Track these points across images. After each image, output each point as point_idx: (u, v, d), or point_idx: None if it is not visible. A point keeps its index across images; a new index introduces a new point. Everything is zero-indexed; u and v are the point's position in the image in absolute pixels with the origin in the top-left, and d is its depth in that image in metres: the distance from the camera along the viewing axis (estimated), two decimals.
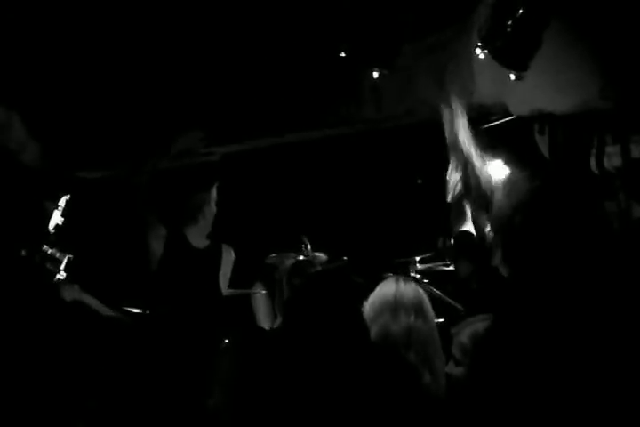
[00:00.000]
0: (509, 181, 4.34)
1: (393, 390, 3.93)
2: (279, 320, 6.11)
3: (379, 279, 4.84)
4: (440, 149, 6.20)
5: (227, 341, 5.47)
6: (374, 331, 4.45)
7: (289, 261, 6.50)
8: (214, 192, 6.05)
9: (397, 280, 4.68)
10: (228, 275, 6.03)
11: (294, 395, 3.73)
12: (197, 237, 5.94)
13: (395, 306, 4.50)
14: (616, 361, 3.54)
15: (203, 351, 5.46)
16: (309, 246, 6.47)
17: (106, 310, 5.52)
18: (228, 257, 6.02)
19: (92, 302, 5.48)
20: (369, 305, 4.57)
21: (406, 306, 4.50)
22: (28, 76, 6.19)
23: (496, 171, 6.70)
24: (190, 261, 5.83)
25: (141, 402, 5.10)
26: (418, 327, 4.46)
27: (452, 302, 6.25)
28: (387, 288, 4.62)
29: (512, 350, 3.75)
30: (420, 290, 4.67)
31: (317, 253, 6.49)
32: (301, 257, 6.32)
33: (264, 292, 6.68)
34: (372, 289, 4.72)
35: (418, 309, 4.52)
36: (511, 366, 3.73)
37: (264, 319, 6.59)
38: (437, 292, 6.23)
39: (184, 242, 5.87)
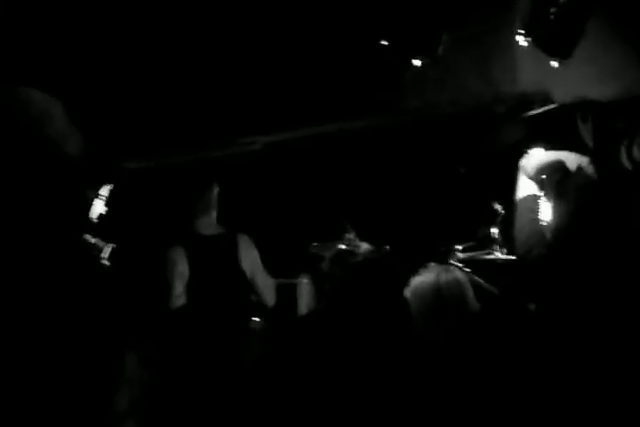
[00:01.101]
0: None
1: (431, 383, 3.91)
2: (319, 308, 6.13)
3: (421, 268, 4.74)
4: (482, 138, 6.18)
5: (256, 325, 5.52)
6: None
7: (332, 251, 6.50)
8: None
9: (438, 273, 4.46)
10: (257, 260, 6.00)
11: (326, 382, 3.74)
12: (208, 226, 5.95)
13: (438, 310, 4.34)
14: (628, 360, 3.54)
15: (231, 335, 5.50)
16: (353, 234, 6.46)
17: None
18: (245, 243, 5.99)
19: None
20: (409, 296, 4.43)
21: (449, 308, 4.35)
22: (72, 65, 6.25)
23: (539, 159, 6.68)
24: (204, 248, 5.84)
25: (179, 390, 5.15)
26: (458, 330, 4.33)
27: (494, 289, 6.21)
28: (427, 283, 4.40)
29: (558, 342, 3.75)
30: (463, 281, 4.49)
31: (360, 242, 6.49)
32: (343, 246, 6.31)
33: (308, 281, 6.68)
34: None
35: (459, 309, 4.37)
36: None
37: (304, 308, 6.61)
38: (479, 280, 6.18)
39: (195, 233, 5.90)
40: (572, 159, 4.12)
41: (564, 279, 3.82)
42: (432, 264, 4.75)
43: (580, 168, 4.07)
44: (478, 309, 4.46)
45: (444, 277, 4.43)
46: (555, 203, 4.06)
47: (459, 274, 4.55)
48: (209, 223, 5.87)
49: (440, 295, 4.36)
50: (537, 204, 4.02)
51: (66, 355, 4.34)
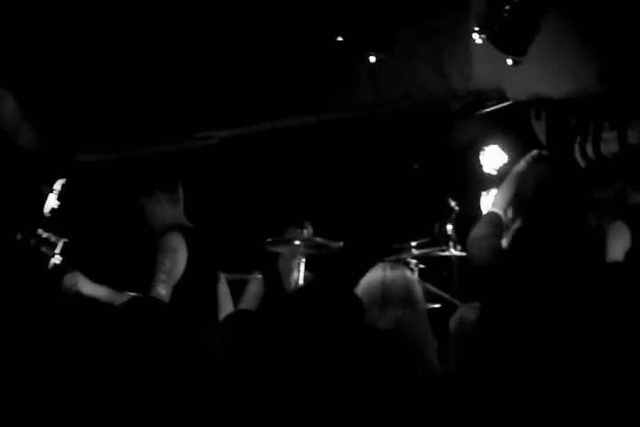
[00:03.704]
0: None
1: (383, 377, 3.92)
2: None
3: (374, 264, 4.80)
4: (436, 135, 6.20)
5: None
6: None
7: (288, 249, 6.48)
8: None
9: (385, 269, 4.61)
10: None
11: (286, 382, 3.73)
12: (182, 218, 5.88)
13: (382, 301, 4.45)
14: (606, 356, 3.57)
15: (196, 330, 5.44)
16: (309, 231, 6.45)
17: (110, 296, 5.46)
18: None
19: (95, 289, 5.43)
20: (359, 291, 4.52)
21: (393, 300, 4.45)
22: (27, 59, 6.19)
23: (493, 156, 6.73)
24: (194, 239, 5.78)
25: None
26: (407, 319, 4.42)
27: (447, 296, 6.26)
28: (374, 278, 4.56)
29: (500, 340, 3.78)
30: (409, 276, 4.62)
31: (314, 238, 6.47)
32: (297, 242, 6.29)
33: (259, 276, 6.66)
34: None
35: (405, 300, 4.46)
36: (499, 355, 3.77)
37: (250, 304, 6.55)
38: (432, 288, 6.24)
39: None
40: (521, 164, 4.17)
41: (515, 274, 3.86)
42: (381, 262, 4.86)
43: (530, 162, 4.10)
44: (424, 302, 4.58)
45: (390, 271, 4.56)
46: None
47: (405, 270, 4.70)
48: (182, 216, 5.78)
49: (385, 287, 4.47)
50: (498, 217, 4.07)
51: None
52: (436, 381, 4.33)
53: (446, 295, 6.11)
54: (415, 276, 4.68)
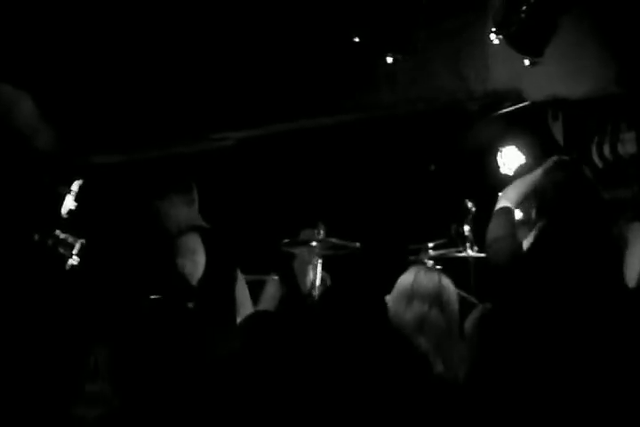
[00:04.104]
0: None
1: (400, 376, 3.93)
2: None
3: (392, 265, 4.82)
4: (453, 136, 6.18)
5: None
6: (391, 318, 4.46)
7: (304, 250, 6.48)
8: None
9: (418, 270, 4.65)
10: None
11: (301, 379, 3.74)
12: (197, 219, 5.87)
13: (410, 295, 4.49)
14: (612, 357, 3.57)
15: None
16: (322, 232, 6.45)
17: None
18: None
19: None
20: (390, 295, 4.57)
21: (422, 295, 4.47)
22: (44, 61, 6.21)
23: (510, 157, 6.71)
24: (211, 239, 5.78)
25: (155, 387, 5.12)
26: (432, 318, 4.43)
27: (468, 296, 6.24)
28: (406, 278, 4.60)
29: (513, 340, 3.79)
30: (444, 281, 4.61)
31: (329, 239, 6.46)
32: (314, 243, 6.30)
33: (277, 278, 6.66)
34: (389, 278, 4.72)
35: (434, 299, 4.48)
36: (513, 355, 3.77)
37: (269, 305, 6.56)
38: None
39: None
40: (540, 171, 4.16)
41: (535, 276, 3.86)
42: (413, 265, 4.88)
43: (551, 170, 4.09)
44: (455, 305, 4.55)
45: (423, 272, 4.60)
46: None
47: (439, 273, 4.70)
48: (197, 217, 5.76)
49: (415, 284, 4.52)
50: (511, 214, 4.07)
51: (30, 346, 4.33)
52: (456, 381, 4.32)
53: (467, 295, 6.07)
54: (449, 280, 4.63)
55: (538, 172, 4.21)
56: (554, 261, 3.82)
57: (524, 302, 3.79)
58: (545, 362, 3.67)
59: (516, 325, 3.80)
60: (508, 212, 4.06)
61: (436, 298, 4.48)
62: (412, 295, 4.47)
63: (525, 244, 3.98)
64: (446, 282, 4.58)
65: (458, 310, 4.55)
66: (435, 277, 4.57)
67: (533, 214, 4.08)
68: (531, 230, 4.02)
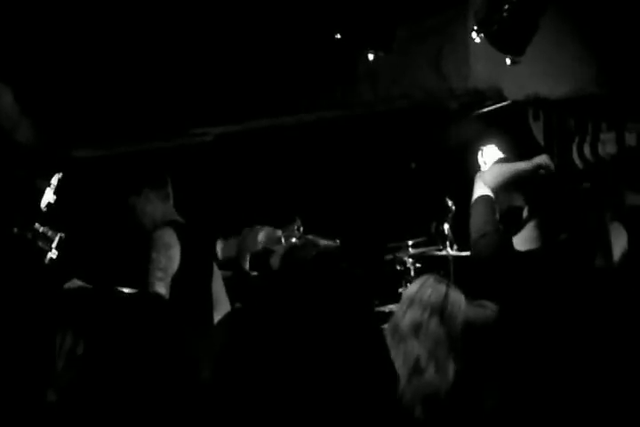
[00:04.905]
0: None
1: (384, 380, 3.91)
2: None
3: (371, 264, 4.82)
4: (434, 134, 6.19)
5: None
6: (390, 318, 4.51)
7: (283, 246, 6.46)
8: None
9: (427, 279, 4.63)
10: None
11: (282, 377, 3.73)
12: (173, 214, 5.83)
13: (412, 300, 4.49)
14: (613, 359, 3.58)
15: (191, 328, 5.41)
16: (298, 227, 6.44)
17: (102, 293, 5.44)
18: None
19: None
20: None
21: (424, 303, 4.46)
22: (25, 55, 6.18)
23: (491, 156, 6.72)
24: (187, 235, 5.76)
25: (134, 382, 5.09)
26: (431, 326, 4.41)
27: None
28: (415, 284, 4.63)
29: (510, 343, 3.79)
30: (453, 295, 4.57)
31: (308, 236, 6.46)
32: (293, 239, 6.29)
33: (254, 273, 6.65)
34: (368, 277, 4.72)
35: (436, 309, 4.45)
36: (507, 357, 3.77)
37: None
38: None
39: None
40: (525, 165, 4.14)
41: (520, 275, 3.86)
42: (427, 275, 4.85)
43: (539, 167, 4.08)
44: (458, 318, 4.50)
45: (431, 281, 4.56)
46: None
47: (447, 284, 4.63)
48: (172, 211, 5.73)
49: (419, 291, 4.50)
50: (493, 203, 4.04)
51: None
52: (447, 386, 4.30)
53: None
54: (459, 293, 4.60)
55: (520, 163, 4.18)
56: (554, 261, 3.82)
57: (525, 303, 3.78)
58: (545, 362, 3.67)
59: (516, 325, 3.80)
60: (489, 201, 4.02)
61: (439, 309, 4.45)
62: (413, 300, 4.47)
63: (516, 241, 3.96)
64: (455, 297, 4.53)
65: (461, 327, 4.53)
66: (442, 288, 4.54)
67: (524, 209, 4.05)
68: (519, 226, 4.00)
